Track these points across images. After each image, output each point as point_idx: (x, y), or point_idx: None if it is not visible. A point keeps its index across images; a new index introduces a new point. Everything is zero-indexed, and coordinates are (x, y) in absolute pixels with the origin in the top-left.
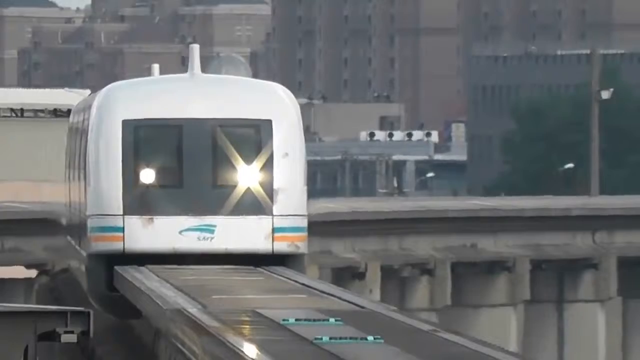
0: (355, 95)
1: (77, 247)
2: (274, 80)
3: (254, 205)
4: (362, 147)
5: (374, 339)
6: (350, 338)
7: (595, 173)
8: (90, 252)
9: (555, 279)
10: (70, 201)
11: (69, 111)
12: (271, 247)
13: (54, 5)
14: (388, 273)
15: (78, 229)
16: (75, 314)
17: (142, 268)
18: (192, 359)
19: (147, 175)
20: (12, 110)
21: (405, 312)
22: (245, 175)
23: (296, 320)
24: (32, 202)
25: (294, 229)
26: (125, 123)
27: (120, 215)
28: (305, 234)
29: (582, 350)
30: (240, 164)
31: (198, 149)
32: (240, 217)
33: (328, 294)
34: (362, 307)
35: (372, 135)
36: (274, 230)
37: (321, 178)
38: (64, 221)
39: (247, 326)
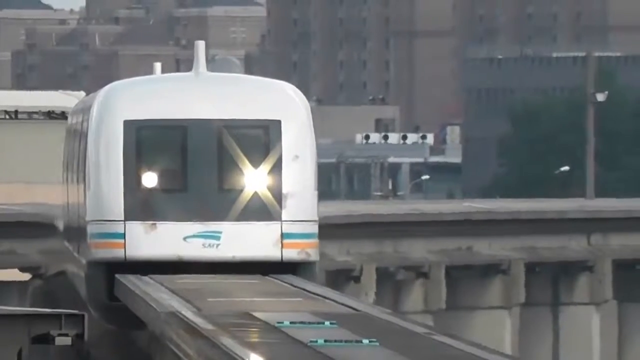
0: (350, 97)
1: (75, 253)
2: None
3: (262, 211)
4: (357, 150)
5: (369, 341)
6: (345, 341)
7: (590, 176)
8: (89, 259)
9: (551, 281)
10: (68, 205)
11: (63, 113)
12: (280, 255)
13: (48, 7)
14: (383, 276)
15: (77, 235)
16: (69, 316)
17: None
18: None
19: (150, 179)
20: (6, 112)
21: (400, 315)
22: (253, 179)
23: (291, 323)
24: (26, 204)
25: (304, 235)
26: (127, 123)
27: (121, 220)
28: (316, 240)
29: (577, 353)
30: (247, 167)
31: (203, 151)
32: (248, 223)
33: (323, 296)
34: (357, 310)
35: (367, 137)
36: (282, 236)
37: None
38: (61, 226)
39: (242, 329)
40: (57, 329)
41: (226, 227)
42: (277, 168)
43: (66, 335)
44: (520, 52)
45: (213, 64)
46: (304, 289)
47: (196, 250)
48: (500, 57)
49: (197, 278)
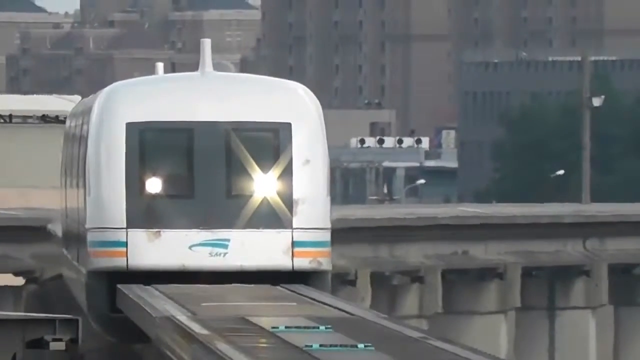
0: (345, 101)
1: (74, 262)
2: None
3: (271, 218)
4: (352, 154)
5: (365, 346)
6: (341, 346)
7: (586, 180)
8: (90, 268)
9: (546, 286)
10: (66, 212)
11: (57, 117)
12: (291, 264)
13: (42, 10)
14: (378, 280)
15: (76, 243)
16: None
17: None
18: None
19: (154, 184)
20: (0, 116)
21: (396, 320)
22: (262, 184)
23: (286, 327)
24: (20, 208)
25: (316, 243)
26: (130, 126)
27: (123, 228)
28: (328, 249)
29: (573, 357)
30: (256, 172)
31: (210, 155)
32: (257, 230)
33: (318, 301)
34: (353, 315)
35: (362, 142)
36: (293, 244)
37: None
38: (59, 233)
39: (237, 334)
40: (51, 333)
41: (234, 235)
42: (287, 173)
43: (60, 340)
44: (515, 56)
45: None
46: (299, 294)
47: (202, 260)
48: (495, 61)
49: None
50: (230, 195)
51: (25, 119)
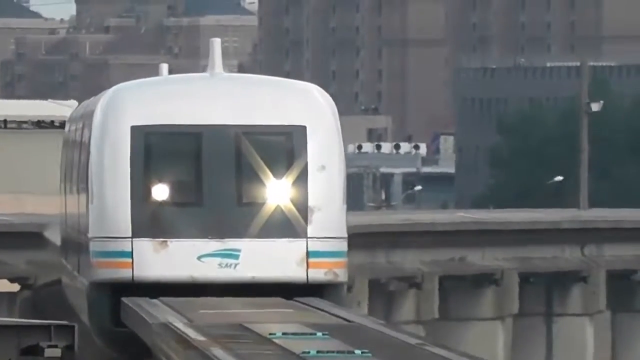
0: (342, 107)
1: (75, 272)
2: None
3: (285, 227)
4: (349, 160)
5: (362, 353)
6: (338, 352)
7: (584, 186)
8: (92, 280)
9: (544, 292)
10: (66, 220)
11: (52, 122)
12: (305, 276)
13: (38, 15)
14: (375, 286)
15: (77, 252)
16: (59, 327)
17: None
18: None
19: (160, 191)
20: None
21: (393, 326)
22: (275, 192)
23: (283, 334)
24: (15, 214)
25: (332, 253)
26: (135, 130)
27: (128, 237)
28: (345, 259)
29: None
30: (269, 178)
31: (220, 160)
32: (270, 240)
33: (315, 307)
34: (350, 321)
35: (359, 147)
36: (308, 255)
37: None
38: (57, 241)
39: (234, 340)
40: (47, 340)
41: (245, 245)
42: (302, 179)
43: (56, 346)
44: (513, 61)
45: None
46: (296, 300)
47: (212, 271)
48: (493, 66)
49: None
50: (241, 202)
51: (20, 124)
